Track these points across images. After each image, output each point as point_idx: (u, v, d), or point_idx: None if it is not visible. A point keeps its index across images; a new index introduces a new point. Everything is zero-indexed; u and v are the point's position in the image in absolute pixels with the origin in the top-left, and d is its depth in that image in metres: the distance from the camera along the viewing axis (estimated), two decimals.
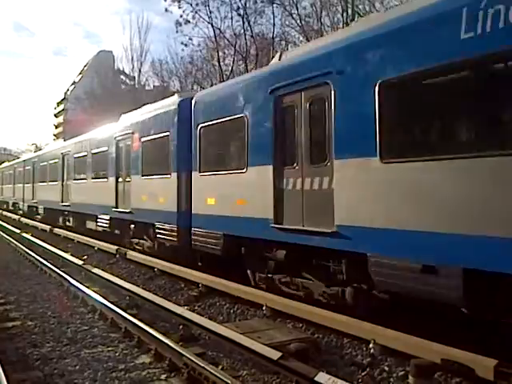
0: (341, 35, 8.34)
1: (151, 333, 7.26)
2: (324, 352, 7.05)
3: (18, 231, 24.46)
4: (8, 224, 29.26)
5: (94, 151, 19.09)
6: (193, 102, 11.84)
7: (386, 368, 6.34)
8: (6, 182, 42.74)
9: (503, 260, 5.34)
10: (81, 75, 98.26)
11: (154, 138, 13.66)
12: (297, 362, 5.97)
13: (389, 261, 6.57)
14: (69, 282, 11.53)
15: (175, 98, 13.33)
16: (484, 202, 5.57)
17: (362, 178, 7.12)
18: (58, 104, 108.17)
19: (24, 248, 18.08)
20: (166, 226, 12.65)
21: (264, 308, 8.93)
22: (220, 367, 6.23)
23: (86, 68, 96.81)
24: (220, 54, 37.52)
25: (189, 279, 11.70)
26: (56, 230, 24.00)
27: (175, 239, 12.25)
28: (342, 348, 7.22)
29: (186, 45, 37.98)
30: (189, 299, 10.54)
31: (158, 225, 13.13)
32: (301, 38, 34.61)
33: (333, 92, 7.57)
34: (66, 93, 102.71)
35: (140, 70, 53.39)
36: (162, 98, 16.56)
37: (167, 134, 12.83)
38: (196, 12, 35.15)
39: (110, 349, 7.32)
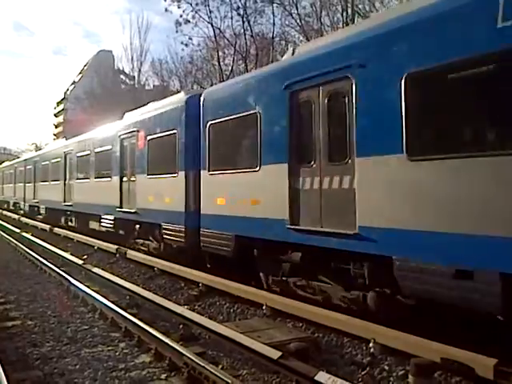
0: (361, 27, 7.90)
1: (151, 332, 7.26)
2: (324, 351, 7.05)
3: (17, 231, 24.47)
4: (8, 223, 29.27)
5: (97, 150, 18.73)
6: (201, 98, 11.48)
7: (386, 367, 6.34)
8: (6, 181, 42.45)
9: None
10: (81, 75, 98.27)
11: (161, 136, 13.30)
12: (297, 362, 5.97)
13: (417, 265, 6.20)
14: (69, 281, 11.53)
15: (182, 95, 13.10)
16: None
17: (387, 177, 6.73)
18: (58, 104, 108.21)
19: (24, 247, 18.09)
20: (173, 227, 12.30)
21: (264, 307, 8.93)
22: (220, 367, 6.24)
23: (85, 68, 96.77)
24: (220, 53, 37.51)
25: (189, 278, 11.70)
26: (56, 230, 23.99)
27: (183, 240, 11.92)
28: (342, 347, 7.22)
29: (186, 45, 38.05)
30: (189, 298, 10.54)
31: (164, 225, 12.81)
32: (301, 38, 34.65)
33: (354, 86, 7.23)
34: (65, 92, 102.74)
35: (140, 70, 53.54)
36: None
37: (174, 131, 12.51)
38: (196, 12, 35.18)
39: (110, 348, 7.32)
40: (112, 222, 16.70)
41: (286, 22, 35.14)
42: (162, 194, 13.04)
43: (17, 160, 42.99)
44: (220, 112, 10.62)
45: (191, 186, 11.81)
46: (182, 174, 12.09)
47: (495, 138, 5.83)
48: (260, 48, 35.74)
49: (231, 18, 35.33)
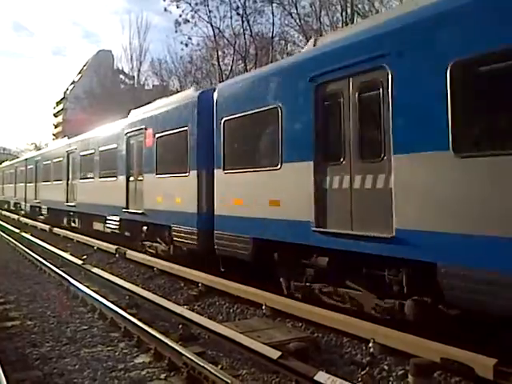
0: (399, 12, 7.27)
1: (151, 332, 7.26)
2: (323, 351, 7.05)
3: (17, 231, 24.45)
4: (7, 223, 29.24)
5: (101, 149, 18.11)
6: (215, 93, 10.88)
7: (386, 367, 6.34)
8: (7, 181, 42.03)
9: None
10: (80, 75, 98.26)
11: (170, 134, 12.73)
12: (296, 362, 5.98)
13: (468, 272, 5.63)
14: (68, 281, 11.52)
15: (192, 91, 12.80)
16: None
17: (430, 176, 6.16)
18: (58, 103, 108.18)
19: (23, 247, 18.08)
20: (185, 229, 11.72)
21: (263, 307, 8.92)
22: (220, 366, 6.23)
23: (85, 67, 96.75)
24: (219, 53, 37.51)
25: (188, 278, 11.69)
26: (55, 230, 23.97)
27: (195, 243, 11.34)
28: (342, 347, 7.22)
29: (186, 44, 38.13)
30: (188, 298, 10.53)
31: (174, 227, 12.24)
32: (300, 38, 34.69)
33: (390, 76, 6.66)
34: (65, 92, 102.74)
35: (139, 70, 53.68)
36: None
37: (185, 128, 11.92)
38: (195, 11, 35.23)
39: (109, 348, 7.31)
40: (118, 223, 16.17)
41: (286, 22, 35.26)
42: (171, 194, 12.52)
43: (17, 159, 42.62)
44: (236, 107, 10.04)
45: (204, 186, 11.30)
46: (193, 173, 11.56)
47: None
48: (259, 48, 35.77)
49: (231, 18, 35.48)
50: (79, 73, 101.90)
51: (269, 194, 8.96)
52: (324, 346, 7.28)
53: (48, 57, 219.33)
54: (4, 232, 24.47)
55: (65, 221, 23.89)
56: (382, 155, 6.83)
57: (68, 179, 22.62)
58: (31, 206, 30.71)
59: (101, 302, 9.30)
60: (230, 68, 36.87)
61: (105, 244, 17.44)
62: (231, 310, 9.49)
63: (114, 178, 16.50)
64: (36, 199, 29.23)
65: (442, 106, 5.95)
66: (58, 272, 12.70)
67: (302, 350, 6.54)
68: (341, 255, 7.52)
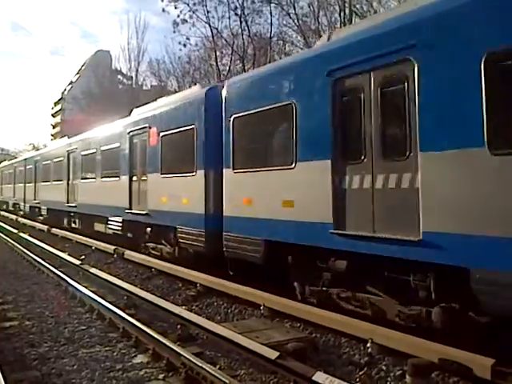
0: (425, 2, 6.76)
1: (149, 332, 7.25)
2: (322, 351, 7.04)
3: (15, 231, 24.40)
4: (6, 224, 29.18)
5: (103, 148, 17.74)
6: (224, 90, 10.50)
7: (384, 367, 6.34)
8: (5, 181, 41.69)
9: None
10: (78, 75, 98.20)
11: (176, 132, 12.35)
12: (294, 362, 5.97)
13: (507, 278, 5.29)
14: (66, 281, 11.51)
15: (197, 88, 12.54)
16: None
17: (462, 174, 5.81)
18: (56, 104, 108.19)
19: (22, 248, 18.05)
20: (191, 230, 11.35)
21: (262, 308, 8.90)
22: (218, 367, 6.22)
23: (83, 68, 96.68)
24: (217, 53, 37.63)
25: (186, 279, 11.68)
26: (54, 230, 23.92)
27: (202, 245, 10.98)
28: (340, 347, 7.22)
29: (184, 45, 38.20)
30: (186, 299, 10.53)
31: (180, 229, 11.89)
32: (298, 38, 34.72)
33: (416, 69, 6.29)
34: (63, 92, 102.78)
35: (137, 70, 53.56)
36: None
37: (192, 127, 11.54)
38: (193, 12, 35.23)
39: (107, 348, 7.30)
40: (120, 225, 15.79)
41: (284, 22, 35.26)
42: (177, 194, 12.15)
43: (16, 159, 42.31)
44: (246, 104, 9.64)
45: (211, 186, 10.94)
46: (200, 172, 11.19)
47: None
48: (258, 48, 35.76)
49: (229, 18, 35.46)
50: (77, 73, 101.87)
51: (282, 194, 8.59)
52: (322, 346, 7.28)
53: (46, 57, 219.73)
54: (2, 232, 24.41)
55: (65, 222, 23.61)
56: (408, 153, 6.45)
57: (69, 179, 22.27)
58: (30, 207, 30.37)
59: (99, 303, 9.29)
60: (228, 68, 36.88)
61: (103, 244, 17.42)
62: (229, 311, 9.48)
63: (117, 178, 16.16)
64: (35, 200, 28.90)
65: (476, 100, 5.60)
66: (56, 272, 12.69)
67: (300, 350, 6.54)
68: (361, 259, 7.15)
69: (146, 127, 14.09)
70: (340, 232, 7.38)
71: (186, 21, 35.61)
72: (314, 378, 5.40)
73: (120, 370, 6.41)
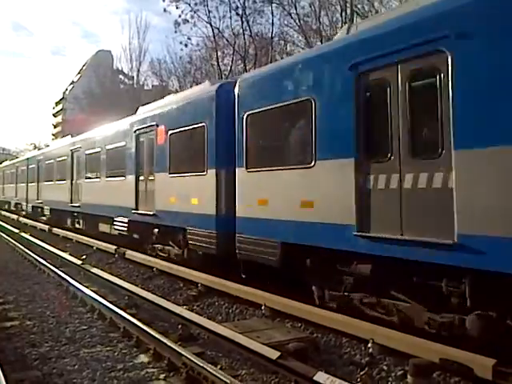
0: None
1: (150, 332, 7.25)
2: (323, 351, 7.04)
3: (16, 231, 24.43)
4: (7, 224, 29.20)
5: (108, 147, 17.31)
6: (236, 86, 10.06)
7: (385, 367, 6.34)
8: (7, 181, 41.23)
9: None
10: (79, 75, 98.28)
11: (185, 130, 11.96)
12: (295, 362, 5.97)
13: None
14: (67, 281, 11.52)
15: (207, 85, 12.20)
16: None
17: (504, 173, 5.37)
18: (57, 104, 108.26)
19: (23, 248, 18.06)
20: (202, 232, 10.95)
21: (263, 308, 8.91)
22: (219, 367, 6.21)
23: (84, 68, 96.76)
24: (219, 53, 37.64)
25: (188, 279, 11.68)
26: (55, 230, 23.93)
27: (213, 247, 10.58)
28: (341, 347, 7.22)
29: (185, 45, 38.20)
30: (188, 299, 10.52)
31: (190, 230, 11.47)
32: (300, 38, 34.74)
33: (450, 61, 5.88)
34: (64, 92, 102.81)
35: (139, 70, 53.63)
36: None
37: (202, 124, 11.15)
38: (195, 12, 35.26)
39: (108, 348, 7.31)
40: (126, 225, 15.33)
41: (285, 22, 35.28)
42: (187, 194, 11.73)
43: (18, 159, 41.92)
44: (260, 101, 9.22)
45: (223, 186, 10.56)
46: (211, 172, 10.80)
47: None
48: (259, 48, 35.76)
49: (230, 18, 35.49)
50: (78, 73, 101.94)
51: (300, 194, 8.17)
52: (323, 346, 7.28)
53: (47, 57, 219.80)
54: (3, 232, 24.43)
55: (68, 222, 23.15)
56: (440, 151, 6.05)
57: (72, 179, 21.84)
58: (33, 207, 29.99)
59: (100, 302, 9.29)
60: (229, 68, 36.92)
61: (104, 244, 17.41)
62: (230, 311, 9.48)
63: (123, 178, 15.76)
64: (38, 199, 28.48)
65: None
66: (58, 272, 12.69)
67: (301, 350, 6.53)
68: (386, 262, 6.73)
69: (153, 125, 13.74)
70: (364, 234, 6.97)
71: (188, 21, 35.70)
72: (315, 378, 5.40)
73: (121, 369, 6.41)
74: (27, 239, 21.08)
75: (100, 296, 9.77)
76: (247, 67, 34.16)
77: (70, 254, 15.95)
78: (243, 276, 9.98)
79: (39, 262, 14.77)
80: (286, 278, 9.06)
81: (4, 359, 6.61)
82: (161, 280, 12.58)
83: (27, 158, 34.25)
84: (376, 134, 7.00)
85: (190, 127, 11.75)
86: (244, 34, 35.33)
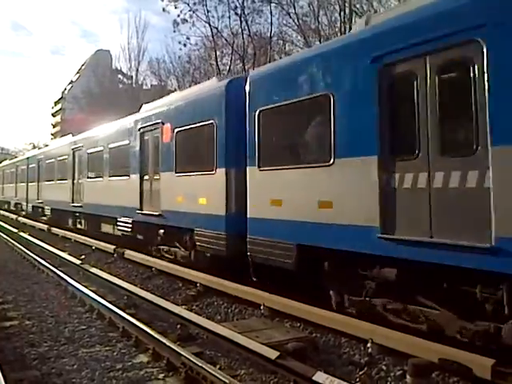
0: None
1: (149, 332, 7.25)
2: (322, 351, 7.04)
3: (15, 230, 24.39)
4: (6, 223, 29.16)
5: (111, 146, 16.95)
6: (247, 81, 9.64)
7: (384, 367, 6.34)
8: (7, 180, 40.83)
9: None
10: (78, 74, 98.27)
11: (192, 128, 11.57)
12: (294, 362, 5.97)
13: None
14: (66, 281, 11.51)
15: (214, 81, 11.89)
16: None
17: None
18: (56, 103, 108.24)
19: (22, 247, 18.04)
20: (211, 233, 10.62)
21: (262, 307, 8.89)
22: (218, 367, 6.22)
23: (83, 67, 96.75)
24: (218, 53, 37.68)
25: (187, 278, 11.67)
26: (54, 230, 23.90)
27: (223, 248, 10.23)
28: (340, 347, 7.22)
29: (184, 44, 38.29)
30: (186, 299, 10.52)
31: (198, 231, 11.12)
32: (298, 38, 34.74)
33: (485, 52, 5.51)
34: (63, 92, 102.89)
35: (137, 69, 53.67)
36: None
37: (211, 122, 10.79)
38: (193, 11, 35.25)
39: (107, 348, 7.30)
40: (130, 226, 14.97)
41: (284, 22, 35.26)
42: (194, 194, 11.36)
43: (18, 158, 41.50)
44: (274, 96, 8.84)
45: (233, 185, 10.23)
46: (221, 170, 10.45)
47: None
48: (258, 47, 35.76)
49: (229, 18, 35.46)
50: (77, 72, 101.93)
51: (318, 194, 7.77)
52: (322, 346, 7.28)
53: (46, 56, 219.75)
54: (2, 232, 24.40)
55: (70, 222, 22.82)
56: (475, 148, 5.68)
57: (74, 178, 21.54)
58: (33, 207, 29.61)
59: (99, 302, 9.29)
60: (228, 68, 36.92)
61: (103, 244, 17.40)
62: (229, 310, 9.48)
63: (126, 177, 15.38)
64: (38, 199, 28.12)
65: None
66: (57, 272, 12.69)
67: (300, 350, 6.53)
68: (413, 267, 6.36)
69: (158, 123, 13.35)
70: (389, 237, 6.54)
71: (186, 20, 35.70)
72: (314, 377, 5.40)
73: (120, 369, 6.41)
74: (26, 239, 21.06)
75: (99, 296, 9.76)
76: (246, 67, 34.16)
77: (69, 254, 15.94)
78: (254, 279, 9.57)
79: (38, 261, 14.75)
80: (301, 281, 8.70)
81: (3, 359, 6.61)
82: (160, 280, 12.57)
83: (27, 158, 33.85)
84: (401, 130, 6.62)
85: (198, 125, 11.39)
86: (243, 34, 35.35)
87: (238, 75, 12.51)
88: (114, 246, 16.23)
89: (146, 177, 14.16)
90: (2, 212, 39.38)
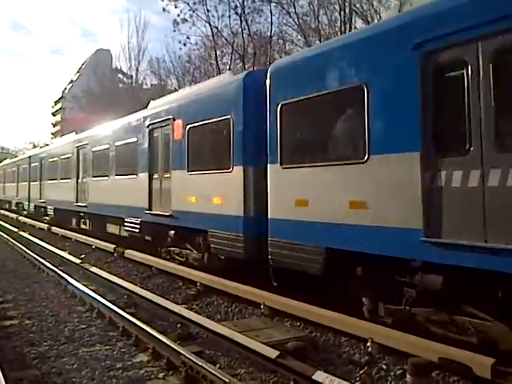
0: None
1: (149, 331, 7.26)
2: (322, 350, 7.04)
3: (15, 230, 24.39)
4: (6, 222, 29.16)
5: (118, 143, 16.36)
6: (268, 74, 9.05)
7: (384, 366, 6.34)
8: (8, 180, 40.36)
9: None
10: (78, 74, 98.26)
11: (206, 124, 11.05)
12: (294, 361, 5.96)
13: None
14: (66, 280, 11.51)
15: (228, 76, 11.59)
16: None
17: None
18: (56, 102, 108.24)
19: (22, 247, 18.04)
20: (227, 235, 10.05)
21: (262, 307, 8.89)
22: (218, 366, 6.22)
23: (83, 66, 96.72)
24: (218, 52, 37.68)
25: (187, 278, 11.67)
26: (54, 229, 23.89)
27: (241, 251, 9.64)
28: (340, 346, 7.22)
29: (184, 44, 38.34)
30: (186, 298, 10.52)
31: (213, 232, 10.55)
32: (298, 37, 34.73)
33: None
34: (63, 91, 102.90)
35: (138, 69, 53.73)
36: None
37: (227, 117, 10.26)
38: (193, 11, 35.25)
39: (107, 347, 7.31)
40: (138, 227, 14.38)
41: (284, 21, 35.27)
42: (209, 193, 10.82)
43: (20, 157, 41.10)
44: (298, 89, 8.26)
45: (251, 184, 9.68)
46: (238, 169, 9.89)
47: None
48: (258, 47, 35.78)
49: (229, 17, 35.42)
50: (77, 72, 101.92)
51: (348, 193, 7.23)
52: (322, 345, 7.28)
53: (46, 56, 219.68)
54: (3, 231, 24.38)
55: (73, 222, 22.24)
56: None
57: (78, 177, 20.95)
58: (36, 206, 29.10)
59: (99, 301, 9.30)
60: (228, 67, 36.87)
61: (103, 243, 17.39)
62: (229, 310, 9.49)
63: (134, 176, 14.79)
64: (41, 199, 27.59)
65: None
66: (57, 271, 12.69)
67: (300, 349, 6.53)
68: (462, 274, 5.76)
69: (169, 119, 12.77)
70: (435, 240, 5.95)
71: (187, 20, 35.70)
72: (314, 377, 5.40)
73: (120, 368, 6.41)
74: (26, 238, 21.06)
75: (99, 295, 9.76)
76: (246, 66, 34.17)
77: (68, 253, 15.94)
78: (274, 284, 9.00)
79: (38, 260, 14.76)
80: (327, 287, 8.13)
81: (3, 358, 6.61)
82: (160, 279, 12.58)
83: (29, 156, 33.37)
84: (449, 124, 6.04)
85: (213, 120, 10.84)
86: (243, 33, 35.33)
87: (259, 68, 12.06)
88: (114, 246, 16.22)
89: (156, 175, 13.64)
90: (3, 212, 39.32)
